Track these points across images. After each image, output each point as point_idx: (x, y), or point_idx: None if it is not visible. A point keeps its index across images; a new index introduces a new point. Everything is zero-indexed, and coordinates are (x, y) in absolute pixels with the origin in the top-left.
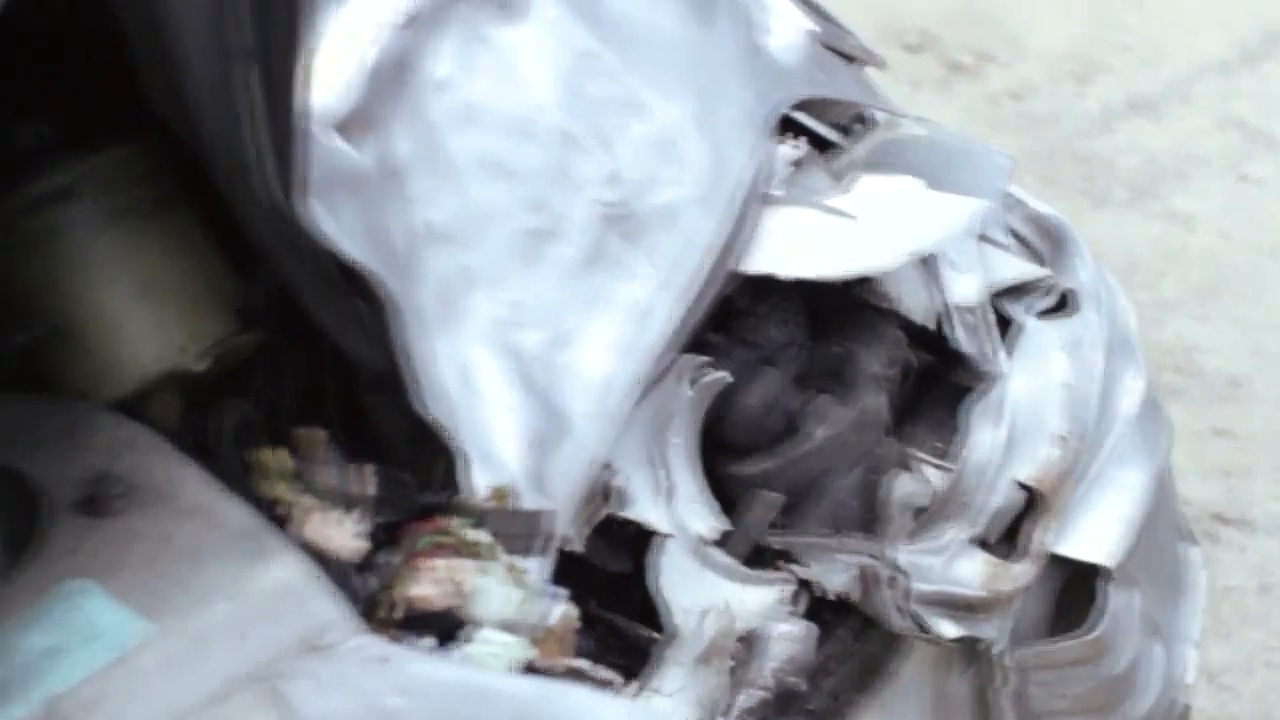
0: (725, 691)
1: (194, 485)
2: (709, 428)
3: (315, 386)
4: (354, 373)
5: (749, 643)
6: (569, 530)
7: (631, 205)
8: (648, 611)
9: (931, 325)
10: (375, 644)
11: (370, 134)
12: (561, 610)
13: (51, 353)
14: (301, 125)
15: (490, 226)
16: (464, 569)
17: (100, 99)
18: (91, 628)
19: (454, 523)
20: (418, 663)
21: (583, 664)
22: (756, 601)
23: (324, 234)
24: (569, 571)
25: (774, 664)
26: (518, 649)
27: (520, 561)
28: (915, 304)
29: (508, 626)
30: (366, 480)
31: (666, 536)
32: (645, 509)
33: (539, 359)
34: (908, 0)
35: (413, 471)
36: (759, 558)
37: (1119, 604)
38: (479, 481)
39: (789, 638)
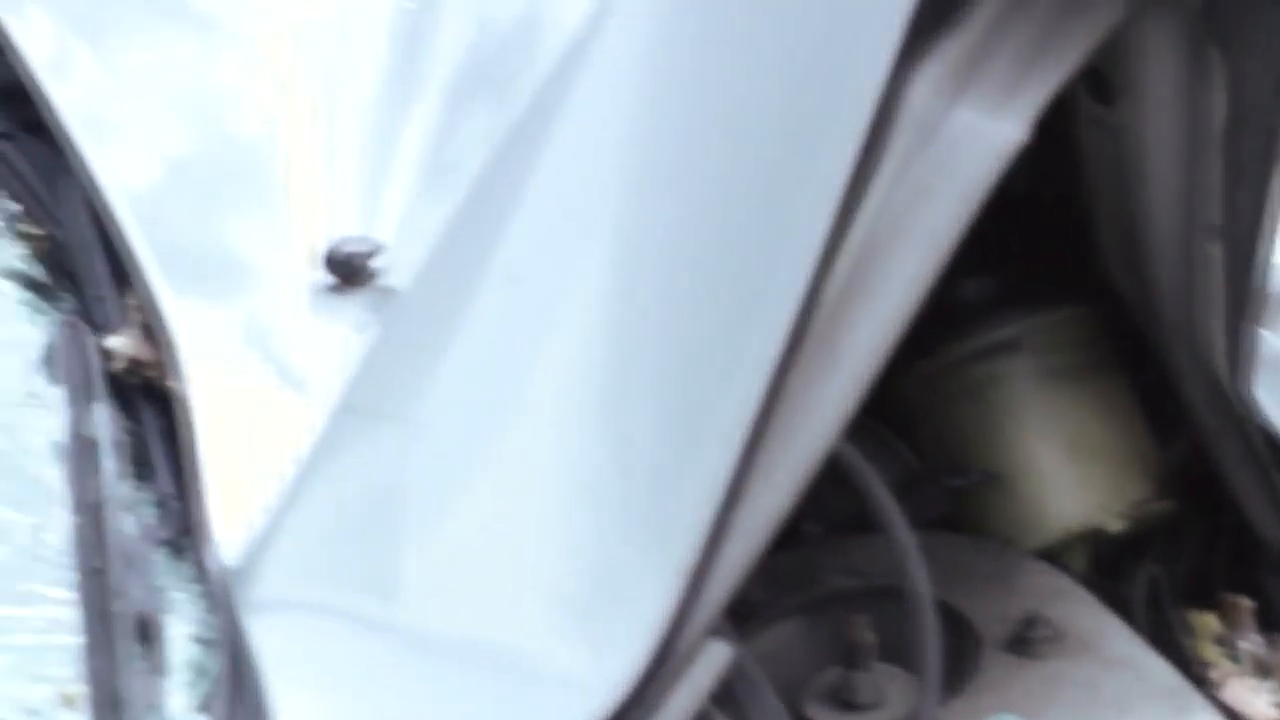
0: None
1: (1118, 637)
2: None
3: (1209, 556)
4: (1252, 548)
5: None
6: None
7: None
8: None
9: None
10: None
11: None
12: None
13: (982, 497)
14: (1258, 306)
15: None
16: None
17: (1048, 258)
18: None
19: None
20: None
21: None
22: None
23: (1264, 413)
24: None
25: None
26: None
27: None
28: None
29: None
30: None
31: None
32: None
33: None
34: None
35: None
36: None
37: None
38: None
39: None
